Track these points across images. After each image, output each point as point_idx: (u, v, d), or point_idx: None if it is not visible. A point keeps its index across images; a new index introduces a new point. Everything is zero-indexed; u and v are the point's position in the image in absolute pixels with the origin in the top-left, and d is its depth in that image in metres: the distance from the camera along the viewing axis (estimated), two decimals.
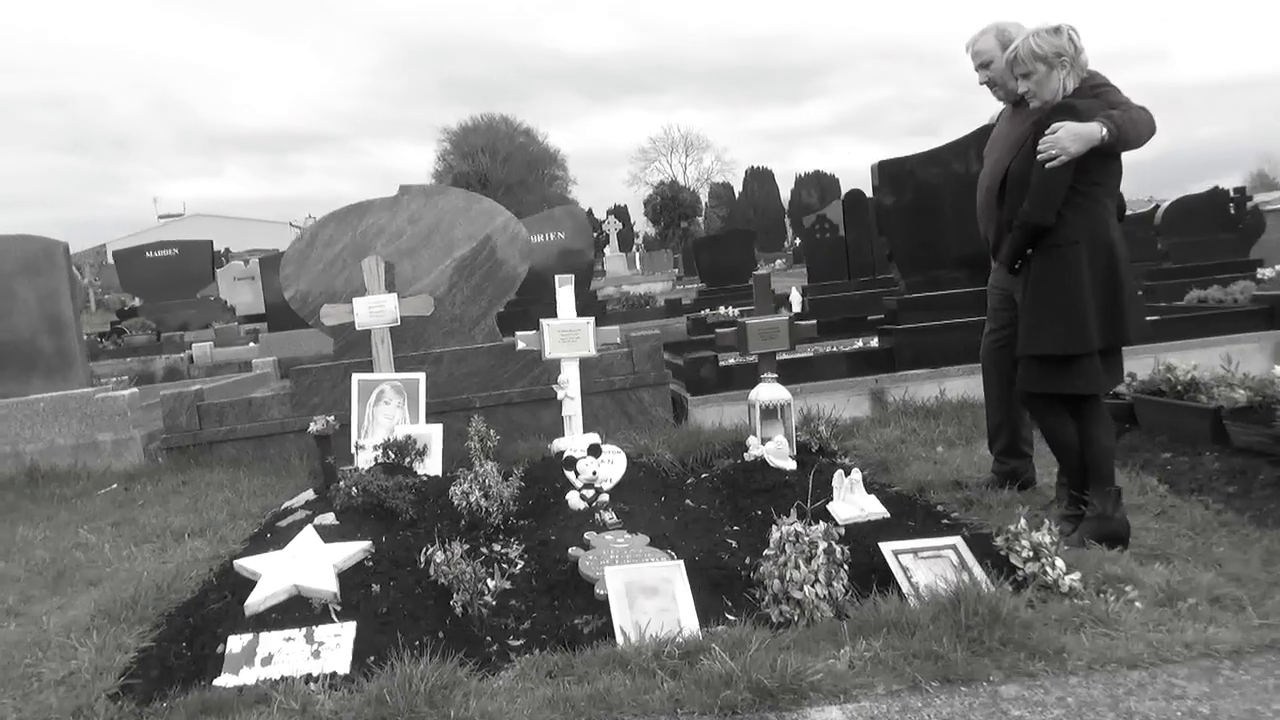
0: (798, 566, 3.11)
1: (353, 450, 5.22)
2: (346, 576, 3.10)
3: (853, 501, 3.85)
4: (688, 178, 67.64)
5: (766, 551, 3.22)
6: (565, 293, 5.37)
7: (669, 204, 60.87)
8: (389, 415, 5.33)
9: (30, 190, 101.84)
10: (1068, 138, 3.31)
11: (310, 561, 3.06)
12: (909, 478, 4.67)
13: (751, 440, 4.91)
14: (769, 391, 5.01)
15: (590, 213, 60.04)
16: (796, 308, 12.44)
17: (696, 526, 4.07)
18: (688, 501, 4.56)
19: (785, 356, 6.80)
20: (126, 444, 5.64)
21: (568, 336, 5.28)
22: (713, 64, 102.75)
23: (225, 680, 2.74)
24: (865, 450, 5.41)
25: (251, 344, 11.72)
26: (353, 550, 3.14)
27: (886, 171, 6.07)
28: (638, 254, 42.07)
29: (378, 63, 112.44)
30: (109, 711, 2.64)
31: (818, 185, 53.93)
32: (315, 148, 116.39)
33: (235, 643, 2.84)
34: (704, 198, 65.68)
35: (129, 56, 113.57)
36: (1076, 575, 3.16)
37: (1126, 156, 3.54)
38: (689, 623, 2.97)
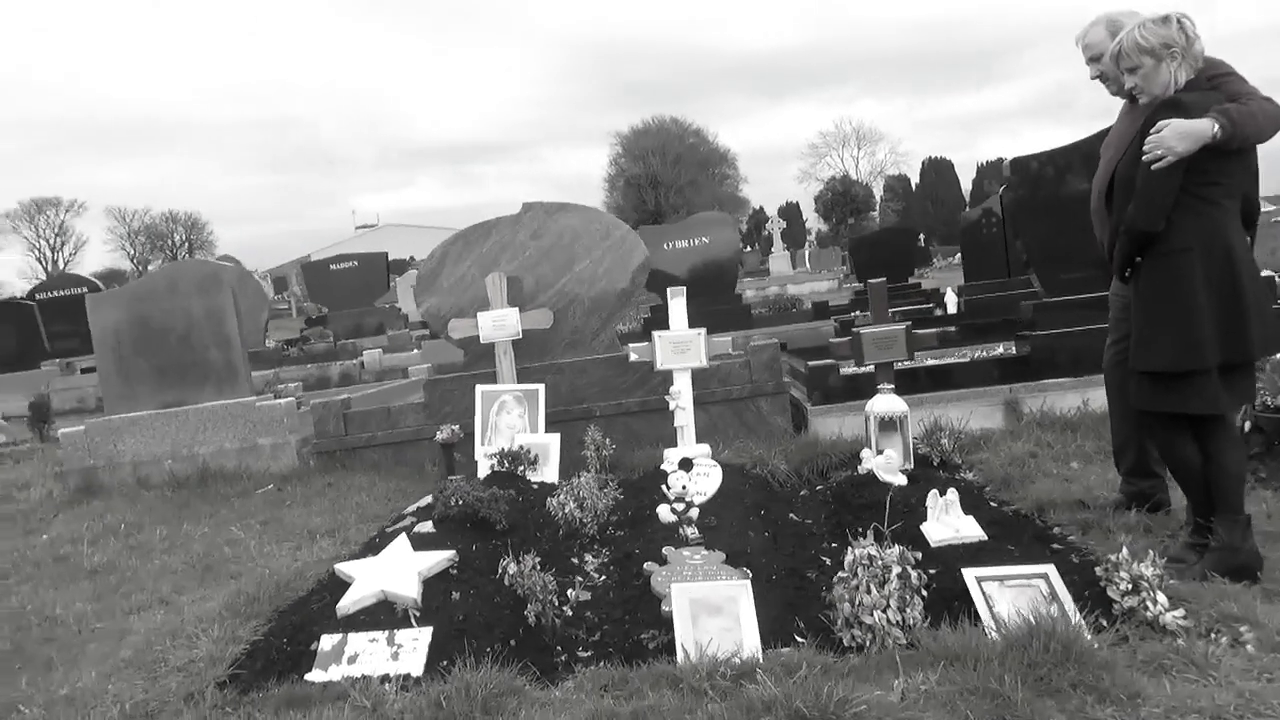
0: (869, 591, 3.03)
1: (477, 458, 5.49)
2: (431, 584, 3.29)
3: (947, 523, 3.70)
4: (860, 171, 66.02)
5: (840, 574, 3.16)
6: (677, 304, 5.43)
7: (840, 199, 59.59)
8: (510, 424, 5.57)
9: (249, 206, 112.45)
10: (1173, 136, 3.06)
11: (398, 568, 3.28)
12: (1030, 496, 4.43)
13: (865, 453, 4.81)
14: (885, 403, 4.89)
15: (761, 210, 59.76)
16: (952, 309, 11.94)
17: (789, 542, 4.03)
18: (791, 515, 4.52)
19: (912, 365, 6.59)
20: (283, 448, 6.17)
21: (679, 348, 5.34)
22: (892, 52, 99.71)
23: (315, 675, 2.97)
24: (991, 465, 5.16)
25: (415, 350, 12.45)
26: (437, 559, 3.33)
27: (1021, 168, 5.75)
28: (807, 252, 41.45)
29: (555, 72, 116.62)
30: (214, 698, 2.92)
31: (1000, 174, 51.31)
32: (497, 157, 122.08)
33: (327, 641, 3.08)
34: (878, 192, 63.90)
35: (339, 82, 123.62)
36: (1180, 612, 2.92)
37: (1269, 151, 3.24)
38: (751, 643, 2.97)
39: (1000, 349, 7.00)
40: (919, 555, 3.21)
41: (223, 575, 4.31)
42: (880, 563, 3.09)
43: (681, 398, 5.35)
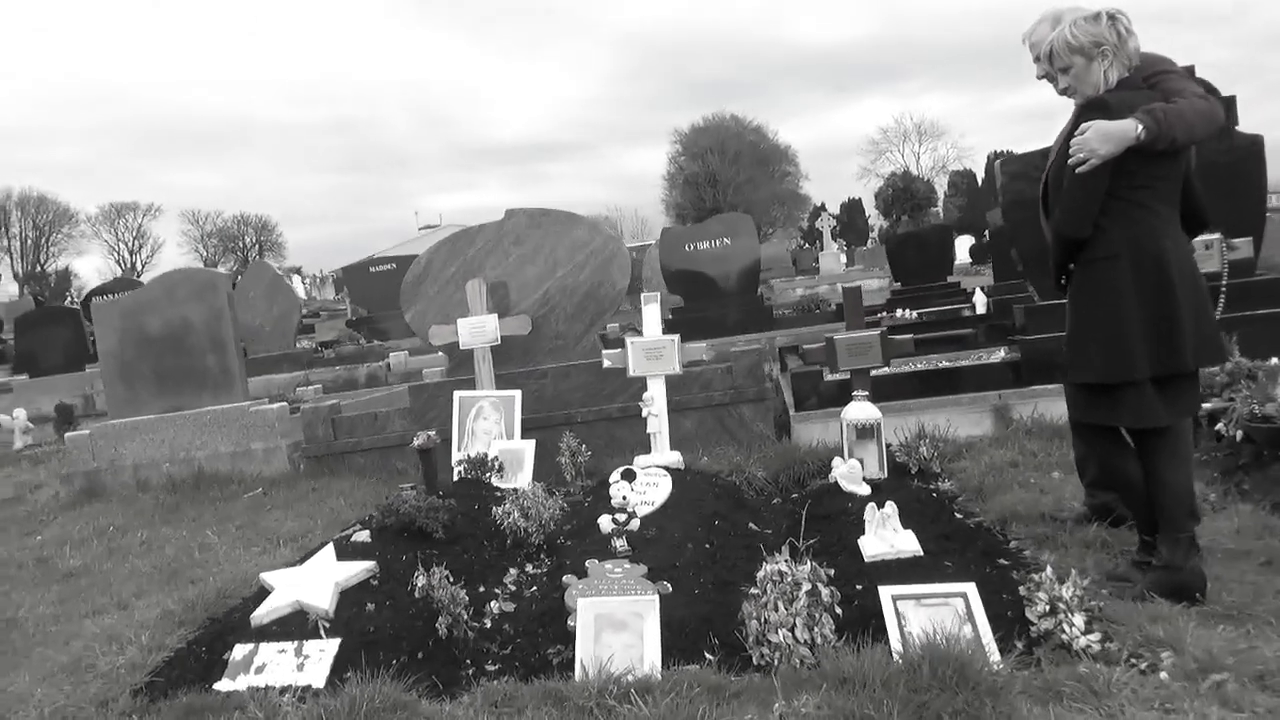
0: (776, 608, 2.97)
1: (453, 463, 5.51)
2: (349, 594, 3.31)
3: (883, 536, 3.59)
4: (921, 167, 64.89)
5: (752, 590, 3.10)
6: (650, 310, 5.39)
7: (900, 195, 58.65)
8: (487, 430, 5.59)
9: (317, 207, 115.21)
10: (1096, 138, 2.93)
11: (316, 578, 3.30)
12: (998, 507, 4.31)
13: (836, 461, 4.71)
14: (859, 410, 4.79)
15: (823, 207, 59.09)
16: (980, 309, 11.63)
17: (737, 554, 3.96)
18: (751, 525, 4.46)
19: (902, 369, 6.44)
20: (274, 452, 6.29)
21: (652, 354, 5.30)
22: (961, 44, 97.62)
23: (223, 684, 3.02)
24: (970, 473, 5.02)
25: (440, 352, 12.58)
26: (356, 569, 3.35)
27: (1008, 170, 5.57)
28: (867, 248, 40.77)
29: (620, 70, 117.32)
30: (126, 705, 2.99)
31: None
32: (562, 156, 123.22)
33: (239, 651, 3.12)
34: (940, 188, 62.69)
35: (405, 83, 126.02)
36: (1096, 636, 2.80)
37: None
38: (651, 661, 2.92)
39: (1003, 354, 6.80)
40: (831, 572, 3.13)
41: (184, 580, 4.40)
42: (790, 579, 3.02)
43: (655, 404, 5.31)
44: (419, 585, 3.16)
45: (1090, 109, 3.01)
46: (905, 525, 4.06)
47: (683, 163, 62.16)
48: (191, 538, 5.11)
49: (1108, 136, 2.92)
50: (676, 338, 5.32)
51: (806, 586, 2.99)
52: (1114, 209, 3.02)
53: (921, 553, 3.55)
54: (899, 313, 12.21)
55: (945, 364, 6.67)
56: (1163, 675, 2.60)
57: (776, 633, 2.93)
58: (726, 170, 59.62)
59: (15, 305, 30.13)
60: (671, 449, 5.50)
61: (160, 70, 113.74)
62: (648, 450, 5.68)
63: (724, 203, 58.58)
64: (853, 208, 62.40)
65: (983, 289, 11.69)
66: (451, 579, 3.31)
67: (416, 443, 5.40)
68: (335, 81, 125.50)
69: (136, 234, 68.23)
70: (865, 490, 4.45)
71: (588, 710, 2.65)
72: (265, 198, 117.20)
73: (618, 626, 3.03)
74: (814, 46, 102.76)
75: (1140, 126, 2.89)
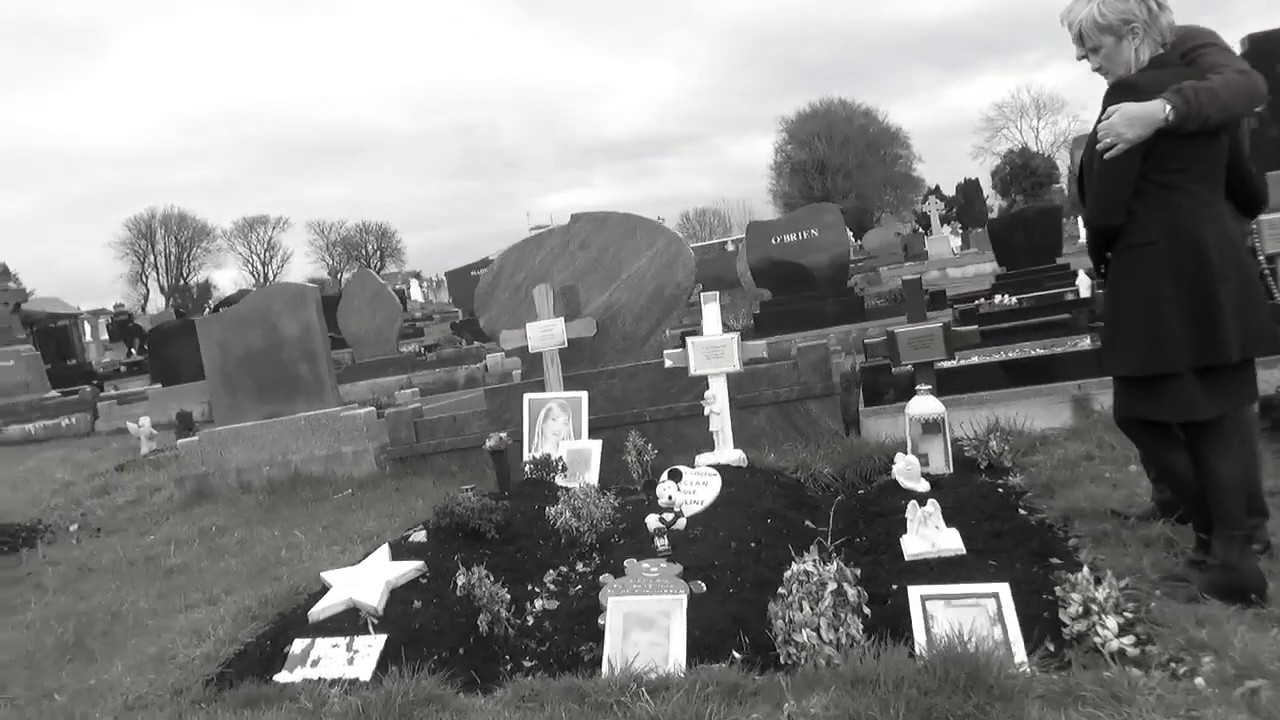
0: (801, 608, 2.99)
1: (524, 464, 5.69)
2: (400, 593, 3.49)
3: (925, 535, 3.54)
4: (1040, 143, 62.08)
5: (780, 590, 3.12)
6: (710, 309, 5.41)
7: (1019, 173, 56.32)
8: (555, 431, 5.73)
9: (436, 212, 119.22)
10: (1122, 122, 2.82)
11: (368, 577, 3.50)
12: (1064, 503, 4.18)
13: (898, 457, 4.66)
14: (922, 405, 4.73)
15: (936, 189, 57.41)
16: (1085, 293, 11.12)
17: (779, 554, 3.97)
18: (808, 523, 4.45)
19: (974, 360, 6.26)
20: (362, 454, 6.61)
21: (712, 353, 5.33)
22: None
23: (281, 676, 3.23)
24: (1042, 468, 4.87)
25: None
26: (406, 569, 3.53)
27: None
28: (983, 231, 39.36)
29: (727, 60, 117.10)
30: (197, 694, 3.24)
31: None
32: (673, 150, 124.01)
33: (298, 645, 3.33)
34: (1062, 164, 59.90)
35: (520, 86, 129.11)
36: (1130, 639, 2.71)
37: None
38: (676, 659, 2.98)
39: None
40: (858, 572, 3.12)
41: (269, 577, 4.70)
42: (815, 579, 3.03)
43: (716, 403, 5.34)
44: (460, 584, 3.30)
45: (1117, 91, 2.90)
46: (960, 522, 3.99)
47: (790, 151, 61.47)
48: (282, 537, 5.44)
49: (1135, 119, 2.80)
50: (736, 335, 5.33)
51: (832, 586, 3.00)
52: (1148, 194, 2.89)
53: (964, 551, 3.49)
54: (998, 299, 11.81)
55: (1036, 352, 6.45)
56: (1198, 681, 2.50)
57: (800, 632, 2.94)
58: (835, 156, 58.65)
59: (158, 318, 32.35)
60: (739, 446, 5.52)
61: (289, 89, 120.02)
62: (713, 448, 5.71)
63: (833, 190, 57.61)
64: (969, 189, 60.31)
65: (1087, 271, 11.16)
66: (493, 578, 3.44)
67: (489, 444, 5.59)
68: (452, 89, 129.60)
69: (268, 246, 72.22)
70: (924, 487, 4.39)
71: (606, 707, 2.73)
72: (386, 205, 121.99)
73: (645, 625, 3.10)
74: (924, 22, 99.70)
75: (1169, 107, 2.76)
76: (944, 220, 35.58)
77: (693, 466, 5.01)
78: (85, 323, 43.07)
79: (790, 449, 5.66)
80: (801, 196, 55.94)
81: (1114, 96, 2.89)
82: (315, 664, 3.24)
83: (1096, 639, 2.72)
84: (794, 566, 3.09)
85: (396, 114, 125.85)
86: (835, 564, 3.06)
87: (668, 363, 5.44)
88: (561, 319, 5.90)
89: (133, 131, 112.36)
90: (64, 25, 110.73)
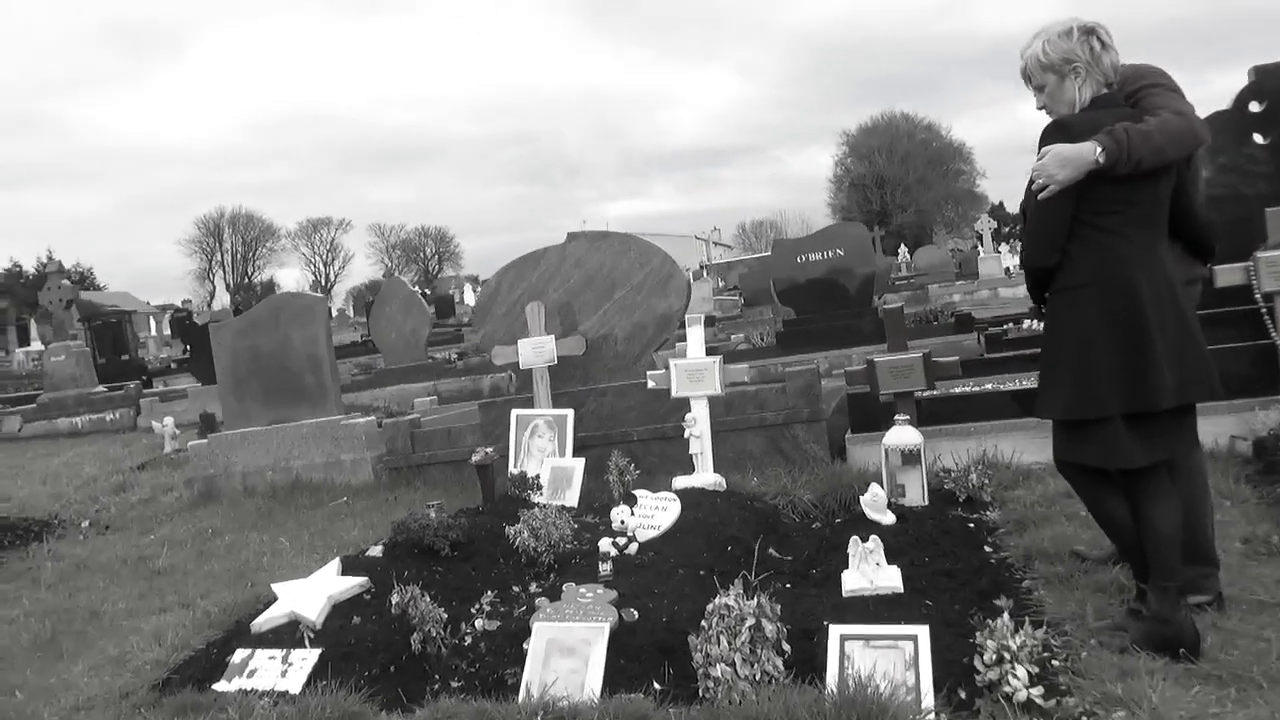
0: (718, 642, 2.99)
1: (516, 477, 5.74)
2: (342, 608, 3.56)
3: (865, 572, 3.52)
4: None
5: (702, 622, 3.12)
6: (694, 332, 5.43)
7: None
8: (541, 448, 5.78)
9: (497, 218, 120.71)
10: (1054, 163, 2.79)
11: (313, 591, 3.58)
12: (1030, 541, 4.10)
13: (873, 487, 4.62)
14: (899, 435, 4.70)
15: (1000, 205, 56.37)
16: None
17: (727, 583, 3.95)
18: (772, 552, 4.43)
19: (966, 389, 6.16)
20: (360, 463, 6.74)
21: (694, 376, 5.35)
22: (1166, 22, 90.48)
23: (220, 685, 3.33)
24: (1021, 503, 4.78)
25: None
26: (349, 584, 3.60)
27: None
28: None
29: (792, 72, 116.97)
30: (140, 698, 3.35)
31: None
32: (732, 160, 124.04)
33: (238, 655, 3.43)
34: None
35: (583, 93, 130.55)
36: (1039, 690, 2.66)
37: None
38: (592, 688, 3.00)
39: None
40: (779, 608, 3.10)
41: (245, 585, 4.81)
42: (735, 614, 3.03)
43: (697, 426, 5.35)
44: (394, 602, 3.36)
45: (1052, 131, 2.86)
46: (914, 557, 3.97)
47: (849, 165, 61.00)
48: (269, 543, 5.57)
49: (1065, 161, 2.77)
50: (718, 359, 5.34)
51: (750, 621, 2.99)
52: (1082, 236, 2.85)
53: (901, 590, 3.46)
54: (1026, 324, 11.58)
55: (1027, 384, 6.33)
56: None
57: (716, 667, 2.94)
58: (895, 171, 58.05)
59: (218, 315, 33.25)
60: (725, 469, 5.52)
61: (356, 93, 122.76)
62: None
63: (891, 204, 56.99)
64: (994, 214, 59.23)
65: None
66: (440, 596, 3.50)
67: (475, 459, 5.67)
68: (516, 94, 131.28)
69: (330, 247, 73.80)
70: (889, 519, 4.36)
71: None
72: (447, 210, 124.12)
73: (566, 652, 3.12)
74: (993, 36, 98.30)
75: (1099, 149, 2.72)
76: (998, 239, 34.88)
77: (669, 489, 5.02)
78: (151, 319, 44.58)
79: (774, 474, 5.63)
80: (860, 210, 55.42)
81: (1048, 137, 2.85)
82: (251, 675, 3.32)
83: (1007, 688, 2.68)
84: (716, 600, 3.09)
85: (460, 119, 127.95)
86: (756, 599, 3.05)
87: (650, 384, 5.47)
88: (552, 337, 5.96)
89: (206, 132, 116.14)
90: (143, 28, 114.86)
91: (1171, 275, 2.87)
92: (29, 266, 53.43)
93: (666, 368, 5.40)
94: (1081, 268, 2.85)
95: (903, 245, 35.33)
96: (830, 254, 11.34)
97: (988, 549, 4.12)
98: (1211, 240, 3.09)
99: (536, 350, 5.97)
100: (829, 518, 5.03)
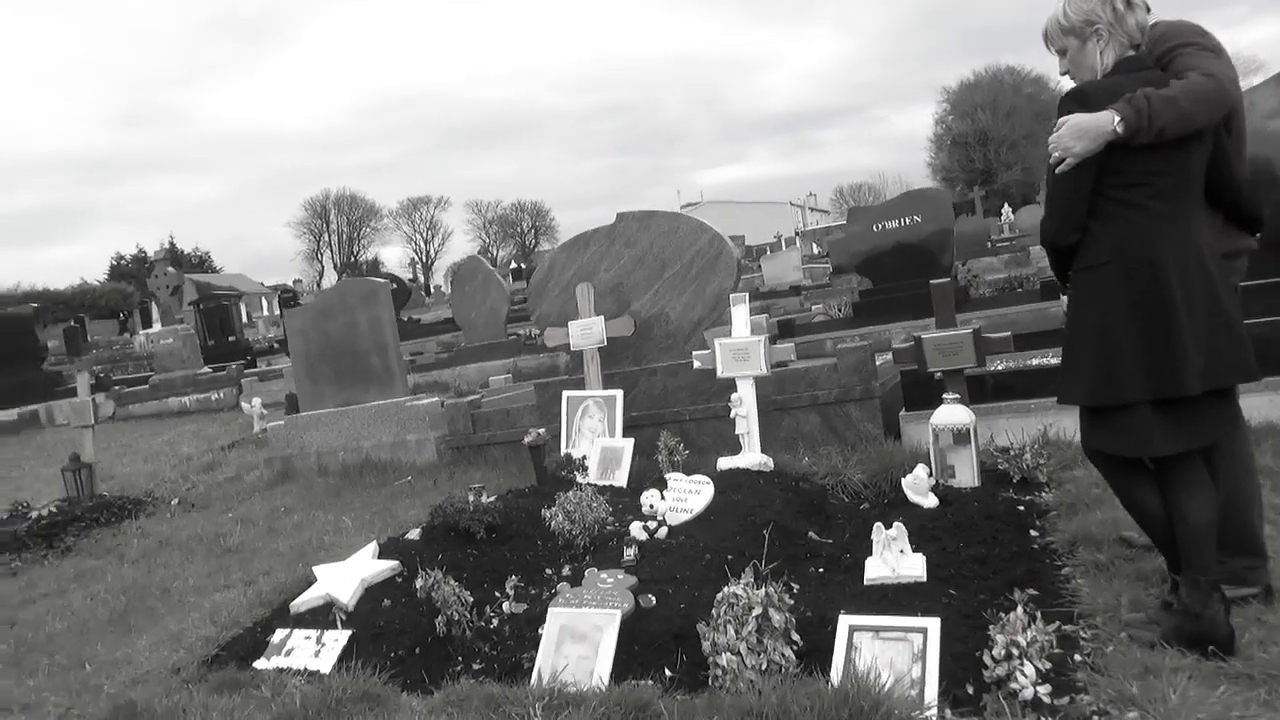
0: (725, 631, 2.98)
1: (561, 459, 5.82)
2: (374, 590, 3.69)
3: (887, 560, 3.44)
4: None
5: (713, 610, 3.11)
6: (739, 311, 5.36)
7: None
8: (592, 428, 5.83)
9: (593, 190, 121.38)
10: (1070, 134, 2.64)
11: (347, 574, 3.71)
12: (1078, 526, 3.94)
13: (917, 469, 4.51)
14: (948, 414, 4.58)
15: None
16: None
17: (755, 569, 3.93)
18: (811, 535, 4.38)
19: (1029, 364, 5.90)
20: (424, 443, 6.93)
21: (739, 355, 5.29)
22: None
23: (259, 663, 3.50)
24: (1079, 484, 4.58)
25: None
26: (383, 567, 3.72)
27: None
28: None
29: (894, 27, 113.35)
30: (189, 673, 3.55)
31: None
32: (834, 121, 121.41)
33: (278, 634, 3.59)
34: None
35: (680, 60, 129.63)
36: (1046, 688, 2.57)
37: None
38: (601, 674, 3.04)
39: None
40: (803, 594, 3.06)
41: (307, 562, 5.02)
42: (743, 603, 3.01)
43: (743, 405, 5.30)
44: (419, 585, 3.46)
45: (1068, 101, 2.71)
46: (948, 543, 3.86)
47: (950, 123, 58.83)
48: (334, 521, 5.79)
49: (1082, 132, 2.61)
50: (764, 338, 5.26)
51: (757, 611, 2.97)
52: (1104, 210, 2.69)
53: (924, 578, 3.37)
54: None
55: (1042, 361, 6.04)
56: None
57: (722, 656, 2.94)
58: (999, 128, 55.71)
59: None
60: (778, 448, 5.46)
61: (455, 71, 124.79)
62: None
63: (995, 163, 54.79)
64: None
65: None
66: (472, 580, 3.59)
67: (527, 440, 5.76)
68: (612, 65, 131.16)
69: (430, 225, 75.62)
70: (931, 502, 4.26)
71: (517, 718, 2.82)
72: (543, 183, 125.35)
73: (578, 638, 3.16)
74: None
75: (1118, 118, 2.55)
76: None
77: (715, 469, 4.99)
78: (264, 299, 46.60)
79: (826, 453, 5.54)
80: (962, 170, 53.45)
81: (1065, 107, 2.70)
82: (289, 654, 3.48)
83: (1015, 685, 2.59)
84: (725, 589, 3.08)
85: (557, 92, 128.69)
86: (764, 589, 3.02)
87: (696, 364, 5.43)
88: (601, 318, 5.98)
89: (311, 115, 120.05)
90: (251, 18, 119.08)
91: (1204, 250, 2.68)
92: (153, 252, 56.58)
93: (712, 347, 5.35)
94: (1103, 245, 2.69)
95: (1006, 205, 33.97)
96: (908, 220, 11.00)
97: (1033, 533, 3.97)
98: (1258, 210, 2.87)
99: (585, 332, 6.00)
100: (879, 499, 4.92)
